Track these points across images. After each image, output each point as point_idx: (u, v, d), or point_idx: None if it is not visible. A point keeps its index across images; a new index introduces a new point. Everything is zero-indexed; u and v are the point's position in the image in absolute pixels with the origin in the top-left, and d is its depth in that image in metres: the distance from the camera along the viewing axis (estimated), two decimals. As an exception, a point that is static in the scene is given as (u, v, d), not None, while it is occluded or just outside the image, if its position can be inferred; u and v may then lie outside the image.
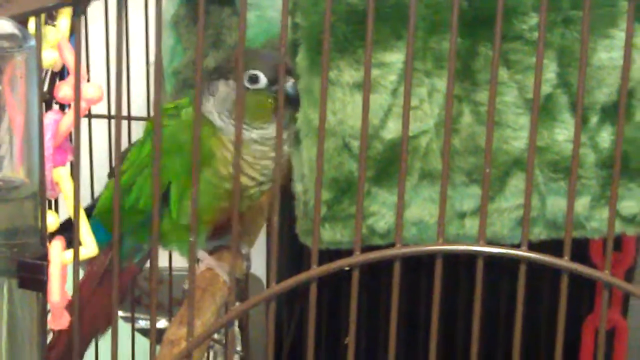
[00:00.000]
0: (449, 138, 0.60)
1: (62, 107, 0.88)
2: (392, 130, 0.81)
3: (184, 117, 0.85)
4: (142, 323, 1.30)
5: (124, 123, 1.04)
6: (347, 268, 0.65)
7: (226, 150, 0.84)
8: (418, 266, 0.82)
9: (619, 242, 1.14)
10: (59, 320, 0.70)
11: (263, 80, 0.82)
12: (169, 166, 0.84)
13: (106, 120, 1.09)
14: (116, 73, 0.64)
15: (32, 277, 0.67)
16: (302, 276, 0.63)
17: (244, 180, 0.85)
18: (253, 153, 0.85)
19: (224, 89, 0.84)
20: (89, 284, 0.92)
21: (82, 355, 0.90)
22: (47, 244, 0.68)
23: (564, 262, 0.62)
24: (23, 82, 0.64)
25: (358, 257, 0.64)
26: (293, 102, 0.81)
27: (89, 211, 0.92)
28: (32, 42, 0.64)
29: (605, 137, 0.81)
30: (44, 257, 0.67)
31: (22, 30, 0.64)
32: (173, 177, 0.85)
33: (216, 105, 0.84)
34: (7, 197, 0.65)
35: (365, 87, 0.61)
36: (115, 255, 0.68)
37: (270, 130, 0.83)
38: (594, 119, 0.80)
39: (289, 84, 0.81)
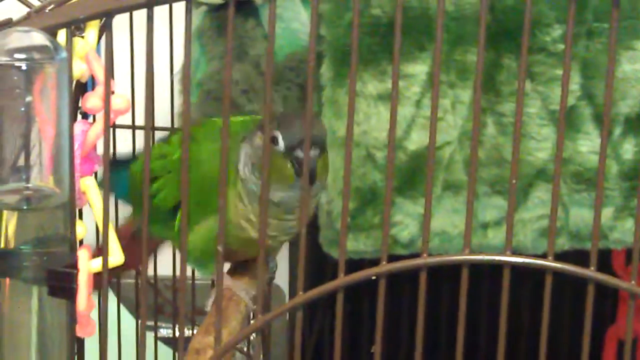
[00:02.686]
0: (476, 150, 0.60)
1: (85, 116, 0.89)
2: (415, 141, 0.81)
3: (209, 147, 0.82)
4: (164, 332, 1.30)
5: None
6: (373, 277, 0.66)
7: (241, 203, 0.81)
8: (439, 276, 0.82)
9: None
10: (85, 328, 0.71)
11: (281, 143, 0.77)
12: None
13: (130, 131, 1.09)
14: (145, 86, 0.65)
15: (62, 285, 0.67)
16: (330, 285, 0.63)
17: (255, 234, 0.81)
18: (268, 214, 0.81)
19: (258, 141, 0.80)
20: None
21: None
22: (77, 252, 0.68)
23: (590, 273, 0.62)
24: (54, 93, 0.65)
25: (385, 267, 0.65)
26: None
27: (123, 162, 0.90)
28: (63, 54, 0.65)
29: (629, 149, 0.81)
30: (74, 265, 0.68)
31: (53, 42, 0.64)
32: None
33: (244, 157, 0.81)
34: (38, 207, 0.66)
35: (393, 97, 0.61)
36: (145, 261, 0.69)
37: (291, 194, 0.78)
38: (617, 131, 0.81)
39: (311, 153, 0.75)
